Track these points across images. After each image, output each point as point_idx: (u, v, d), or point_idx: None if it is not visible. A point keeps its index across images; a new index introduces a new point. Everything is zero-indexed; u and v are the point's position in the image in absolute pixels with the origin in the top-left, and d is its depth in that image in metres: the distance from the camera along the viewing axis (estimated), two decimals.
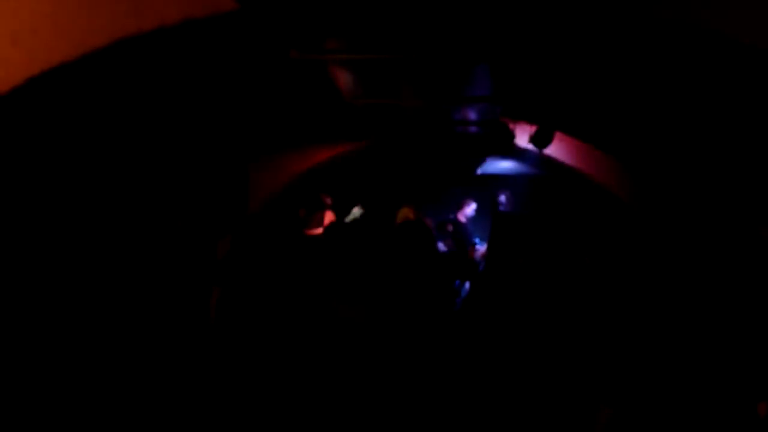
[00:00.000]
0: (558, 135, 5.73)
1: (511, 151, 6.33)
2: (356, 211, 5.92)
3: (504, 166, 8.41)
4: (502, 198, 6.94)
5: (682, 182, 5.53)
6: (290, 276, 3.60)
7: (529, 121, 5.76)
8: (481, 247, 6.07)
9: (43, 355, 3.37)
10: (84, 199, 3.83)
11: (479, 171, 8.42)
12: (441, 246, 6.41)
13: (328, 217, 4.98)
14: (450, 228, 6.44)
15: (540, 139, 5.66)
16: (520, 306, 3.01)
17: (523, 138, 5.94)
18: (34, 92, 2.97)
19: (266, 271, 3.68)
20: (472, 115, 5.06)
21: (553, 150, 6.29)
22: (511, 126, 5.66)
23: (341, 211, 6.01)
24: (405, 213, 5.74)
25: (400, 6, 2.87)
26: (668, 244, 5.27)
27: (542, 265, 3.20)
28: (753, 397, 2.81)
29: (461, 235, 6.46)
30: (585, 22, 3.21)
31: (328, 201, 4.83)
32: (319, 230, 4.86)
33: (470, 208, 7.02)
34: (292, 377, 3.04)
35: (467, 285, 6.10)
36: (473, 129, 5.58)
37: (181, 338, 3.79)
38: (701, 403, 3.04)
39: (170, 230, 4.37)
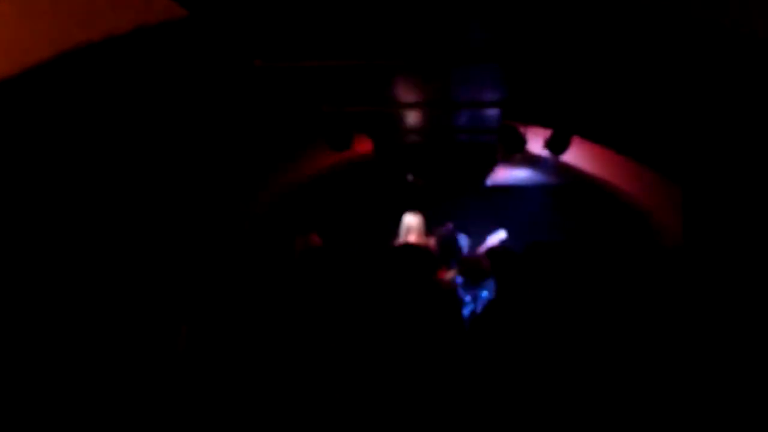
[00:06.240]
0: (576, 140, 5.54)
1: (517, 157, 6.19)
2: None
3: (517, 175, 8.23)
4: (449, 227, 6.86)
5: (717, 194, 5.43)
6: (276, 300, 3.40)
7: (543, 124, 5.54)
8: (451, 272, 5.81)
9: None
10: (30, 217, 3.78)
11: (489, 182, 8.09)
12: None
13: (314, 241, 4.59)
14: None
15: (556, 145, 5.54)
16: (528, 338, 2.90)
17: (536, 143, 5.71)
18: None
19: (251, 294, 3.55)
20: (472, 121, 4.86)
21: (570, 156, 6.17)
22: (521, 130, 5.43)
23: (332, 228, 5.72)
24: (408, 223, 5.47)
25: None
26: (704, 265, 5.09)
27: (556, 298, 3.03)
28: None
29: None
30: (599, 15, 3.08)
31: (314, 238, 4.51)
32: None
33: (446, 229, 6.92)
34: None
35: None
36: (479, 136, 5.39)
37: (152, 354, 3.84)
38: None
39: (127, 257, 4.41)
